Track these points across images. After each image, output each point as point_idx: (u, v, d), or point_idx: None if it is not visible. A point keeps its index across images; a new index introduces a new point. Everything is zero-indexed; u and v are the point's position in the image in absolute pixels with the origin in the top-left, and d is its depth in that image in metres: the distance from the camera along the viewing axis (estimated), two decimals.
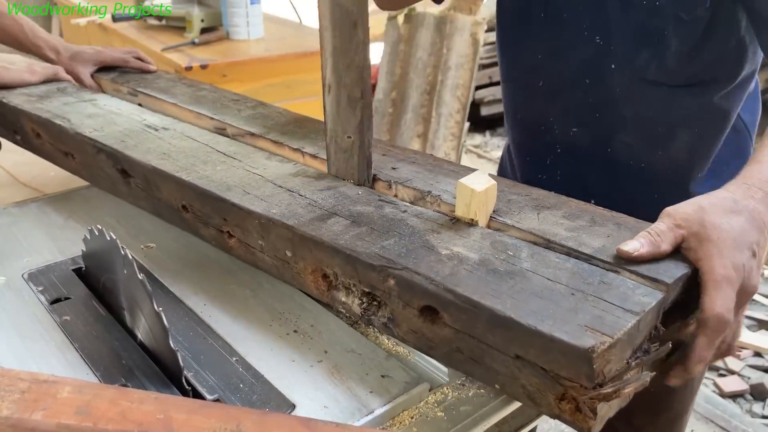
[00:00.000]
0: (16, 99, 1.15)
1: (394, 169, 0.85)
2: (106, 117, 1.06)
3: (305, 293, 0.82)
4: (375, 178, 0.83)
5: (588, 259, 0.65)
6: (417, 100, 3.22)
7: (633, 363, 0.56)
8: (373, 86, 3.27)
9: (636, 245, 0.63)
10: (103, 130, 0.99)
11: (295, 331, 0.78)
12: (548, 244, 0.68)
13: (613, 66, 0.93)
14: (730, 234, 0.61)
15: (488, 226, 0.73)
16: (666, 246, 0.63)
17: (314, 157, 0.89)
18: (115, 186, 0.99)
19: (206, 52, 2.07)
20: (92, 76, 1.29)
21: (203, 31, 2.19)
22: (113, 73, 1.29)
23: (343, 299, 0.72)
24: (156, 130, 1.00)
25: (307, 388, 0.69)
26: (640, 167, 0.99)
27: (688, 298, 0.65)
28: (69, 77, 1.28)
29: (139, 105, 1.16)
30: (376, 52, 3.53)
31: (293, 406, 0.66)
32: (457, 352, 0.62)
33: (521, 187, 0.80)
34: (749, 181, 0.68)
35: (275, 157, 0.90)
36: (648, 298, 0.58)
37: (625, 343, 0.54)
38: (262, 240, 0.77)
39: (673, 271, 0.62)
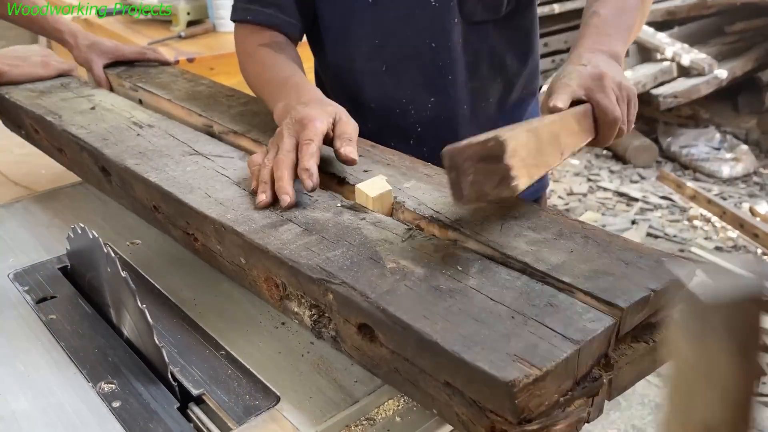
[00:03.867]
0: (18, 95, 1.16)
1: (366, 171, 0.81)
2: (96, 114, 1.06)
3: None
4: (343, 181, 0.79)
5: (542, 277, 0.60)
6: None
7: (574, 395, 0.52)
8: None
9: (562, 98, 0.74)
10: (89, 128, 0.99)
11: (283, 324, 0.77)
12: (505, 259, 0.63)
13: (455, 20, 1.00)
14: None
15: (447, 237, 0.68)
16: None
17: None
18: (101, 184, 0.99)
19: (193, 45, 2.04)
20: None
21: (189, 24, 2.16)
22: (121, 67, 1.28)
23: (295, 309, 0.69)
24: (141, 127, 0.99)
25: (293, 379, 0.68)
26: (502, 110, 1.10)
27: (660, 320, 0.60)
28: (78, 75, 1.28)
29: (140, 101, 1.16)
30: None
31: (278, 398, 0.66)
32: (395, 373, 0.58)
33: None
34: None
35: None
36: (594, 325, 0.53)
37: (560, 375, 0.50)
38: (220, 245, 0.75)
39: (632, 294, 0.57)
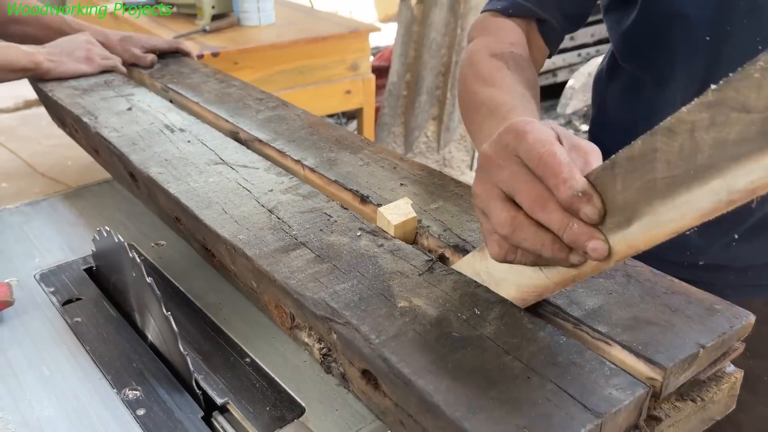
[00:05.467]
0: (61, 92, 1.15)
1: (391, 190, 0.76)
2: (132, 115, 1.04)
3: None
4: (366, 200, 0.74)
5: (576, 324, 0.54)
6: (431, 82, 3.05)
7: None
8: (387, 68, 3.14)
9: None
10: (122, 131, 0.97)
11: None
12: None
13: None
14: None
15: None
16: None
17: (313, 170, 0.82)
18: (131, 188, 0.97)
19: (217, 39, 2.04)
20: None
21: (214, 18, 2.17)
22: (155, 66, 1.27)
23: (306, 340, 0.64)
24: (172, 131, 0.97)
25: (319, 390, 0.67)
26: None
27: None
28: (124, 69, 1.27)
29: (170, 101, 1.14)
30: (390, 34, 3.41)
31: (303, 410, 0.64)
32: (401, 426, 0.53)
33: None
34: None
35: (275, 169, 0.83)
36: (622, 394, 0.46)
37: None
38: (233, 265, 0.71)
39: (676, 351, 0.50)
